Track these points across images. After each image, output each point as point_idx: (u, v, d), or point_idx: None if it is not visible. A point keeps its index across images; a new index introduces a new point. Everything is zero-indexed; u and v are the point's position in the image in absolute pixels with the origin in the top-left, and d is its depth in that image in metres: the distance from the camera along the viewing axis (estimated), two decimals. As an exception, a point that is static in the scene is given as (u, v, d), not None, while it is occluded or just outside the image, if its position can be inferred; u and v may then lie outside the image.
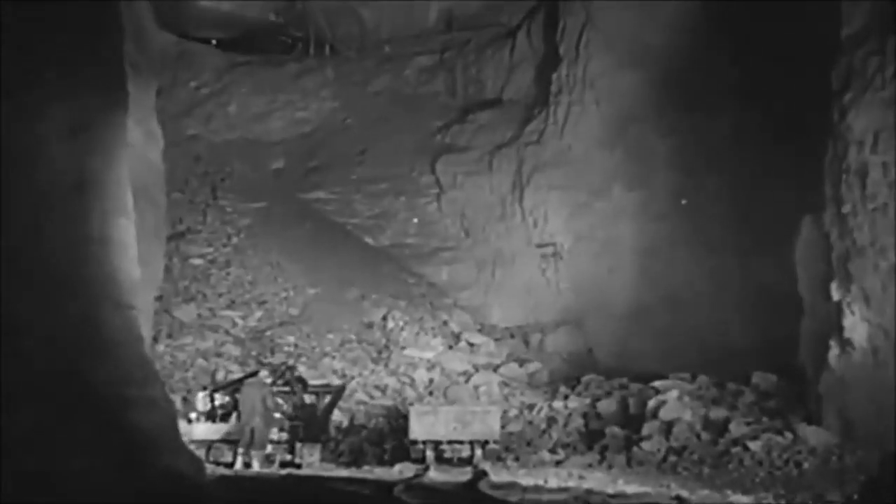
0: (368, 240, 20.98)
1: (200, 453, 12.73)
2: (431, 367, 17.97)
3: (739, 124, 18.52)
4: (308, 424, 13.80)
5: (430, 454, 14.37)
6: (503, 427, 15.10)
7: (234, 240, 19.91)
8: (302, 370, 16.01)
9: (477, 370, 18.11)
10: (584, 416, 16.38)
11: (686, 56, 18.90)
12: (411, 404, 15.86)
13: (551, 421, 16.28)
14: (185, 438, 11.01)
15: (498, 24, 22.89)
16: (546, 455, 15.24)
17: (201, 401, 13.57)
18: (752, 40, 18.39)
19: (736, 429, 14.76)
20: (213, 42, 23.69)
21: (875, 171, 13.76)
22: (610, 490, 12.06)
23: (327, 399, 14.48)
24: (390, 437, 15.46)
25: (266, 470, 13.00)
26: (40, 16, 8.88)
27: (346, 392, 16.10)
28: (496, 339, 19.44)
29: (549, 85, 20.61)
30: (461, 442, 14.30)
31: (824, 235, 14.49)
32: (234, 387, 13.90)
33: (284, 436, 13.57)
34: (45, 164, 8.81)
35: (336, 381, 16.63)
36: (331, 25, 23.18)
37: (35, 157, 8.73)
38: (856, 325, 13.99)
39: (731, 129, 18.59)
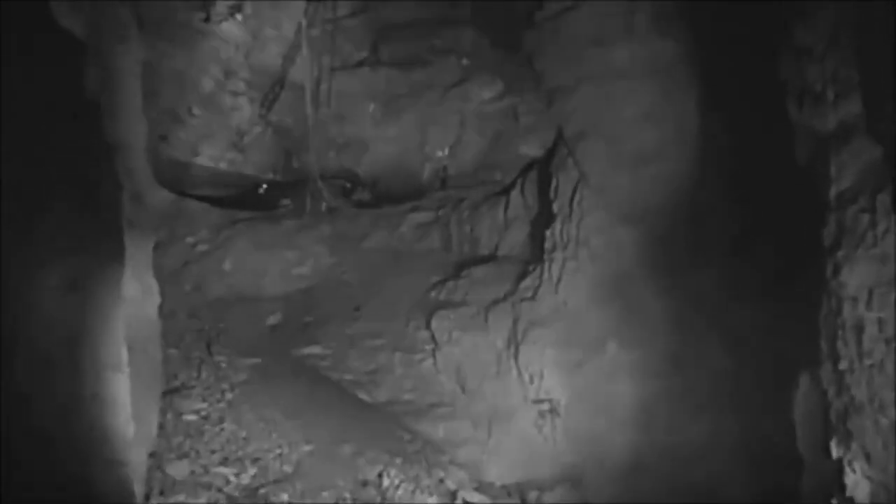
0: (363, 396, 20.72)
1: None
2: (427, 526, 17.66)
3: (735, 282, 18.56)
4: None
5: None
6: (500, 589, 14.78)
7: (229, 395, 19.68)
8: (296, 529, 15.75)
9: (474, 529, 17.80)
10: (583, 577, 16.08)
11: (681, 214, 19.09)
12: (407, 565, 15.57)
13: (549, 583, 15.97)
14: None
15: (492, 182, 23.15)
16: None
17: (192, 561, 13.33)
18: (748, 199, 18.61)
19: (738, 590, 14.51)
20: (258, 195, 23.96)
21: (871, 328, 13.73)
22: None
23: None
24: None
25: None
26: (37, 172, 9.00)
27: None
28: (493, 497, 19.11)
29: (544, 242, 20.68)
30: None
31: (822, 392, 14.38)
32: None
33: None
34: (39, 320, 8.83)
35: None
36: (327, 184, 23.46)
37: (29, 313, 8.75)
38: (857, 483, 13.77)
39: (728, 286, 18.62)
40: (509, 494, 19.55)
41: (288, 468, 18.61)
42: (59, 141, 9.38)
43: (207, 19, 21.25)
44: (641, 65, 19.96)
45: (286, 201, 24.08)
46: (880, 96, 14.33)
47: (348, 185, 23.59)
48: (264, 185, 23.87)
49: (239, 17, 21.61)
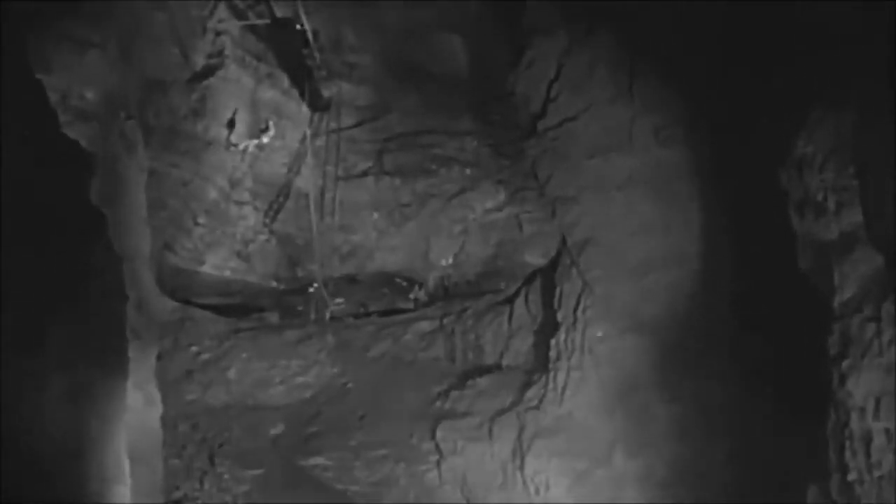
0: (368, 507, 20.58)
1: None
2: None
3: (741, 390, 18.50)
4: None
5: None
6: None
7: (231, 508, 19.54)
8: None
9: None
10: None
11: (685, 323, 19.09)
12: None
13: None
14: None
15: (496, 291, 23.15)
16: None
17: None
18: (751, 307, 18.60)
19: None
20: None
21: (879, 438, 13.69)
22: None
23: None
24: None
25: None
26: (42, 281, 9.06)
27: None
28: None
29: (548, 351, 20.68)
30: None
31: (832, 504, 14.30)
32: None
33: None
34: (42, 430, 8.81)
35: None
36: (331, 292, 23.46)
37: (33, 422, 8.74)
38: None
39: (733, 395, 18.55)
40: None
41: (291, 582, 18.35)
42: (64, 250, 9.43)
43: (233, 143, 21.57)
44: (643, 174, 20.14)
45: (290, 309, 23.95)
46: (881, 206, 14.45)
47: (405, 283, 23.63)
48: (314, 285, 23.79)
49: (266, 138, 21.92)
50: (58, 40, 17.39)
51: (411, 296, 23.70)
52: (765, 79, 17.33)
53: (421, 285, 23.56)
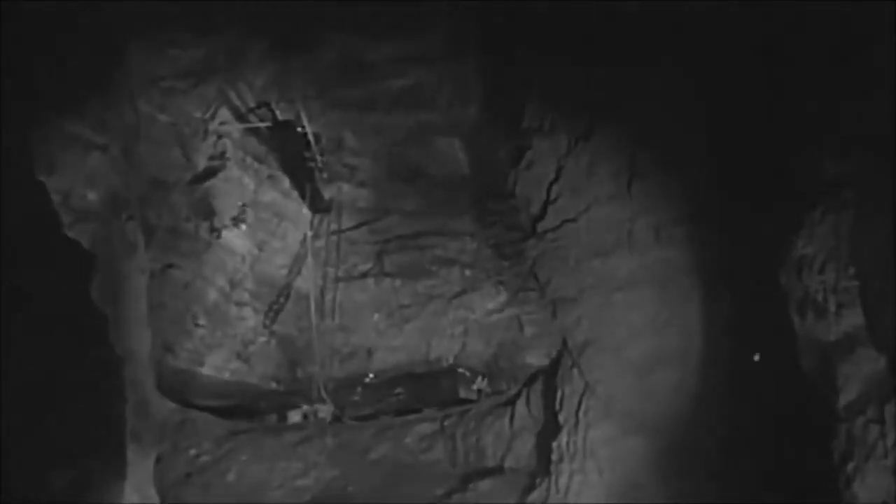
0: None
1: None
2: None
3: (746, 493, 18.34)
4: None
5: None
6: None
7: None
8: None
9: None
10: None
11: (688, 423, 19.01)
12: None
13: None
14: None
15: (497, 393, 23.06)
16: None
17: None
18: (754, 407, 18.54)
19: None
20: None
21: (886, 542, 13.59)
22: None
23: None
24: None
25: None
26: (41, 382, 9.05)
27: None
28: None
29: (550, 453, 20.53)
30: None
31: None
32: None
33: None
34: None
35: None
36: (331, 394, 23.37)
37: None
38: None
39: (737, 495, 18.39)
40: None
41: None
42: (64, 350, 9.41)
43: (214, 232, 21.65)
44: (643, 274, 20.18)
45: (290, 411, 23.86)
46: (881, 306, 14.46)
47: (467, 374, 23.53)
48: (370, 376, 23.68)
49: (243, 227, 22.00)
50: (61, 142, 17.61)
51: (474, 386, 23.60)
52: (764, 178, 17.48)
53: (484, 376, 23.47)
